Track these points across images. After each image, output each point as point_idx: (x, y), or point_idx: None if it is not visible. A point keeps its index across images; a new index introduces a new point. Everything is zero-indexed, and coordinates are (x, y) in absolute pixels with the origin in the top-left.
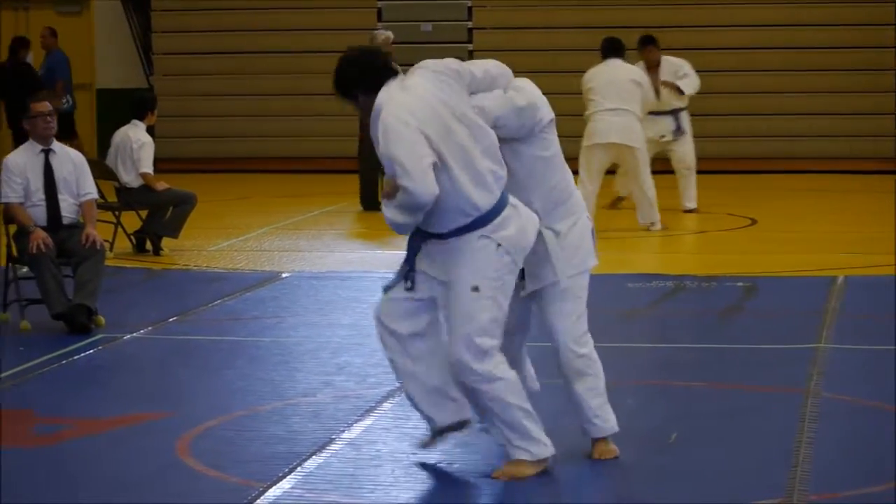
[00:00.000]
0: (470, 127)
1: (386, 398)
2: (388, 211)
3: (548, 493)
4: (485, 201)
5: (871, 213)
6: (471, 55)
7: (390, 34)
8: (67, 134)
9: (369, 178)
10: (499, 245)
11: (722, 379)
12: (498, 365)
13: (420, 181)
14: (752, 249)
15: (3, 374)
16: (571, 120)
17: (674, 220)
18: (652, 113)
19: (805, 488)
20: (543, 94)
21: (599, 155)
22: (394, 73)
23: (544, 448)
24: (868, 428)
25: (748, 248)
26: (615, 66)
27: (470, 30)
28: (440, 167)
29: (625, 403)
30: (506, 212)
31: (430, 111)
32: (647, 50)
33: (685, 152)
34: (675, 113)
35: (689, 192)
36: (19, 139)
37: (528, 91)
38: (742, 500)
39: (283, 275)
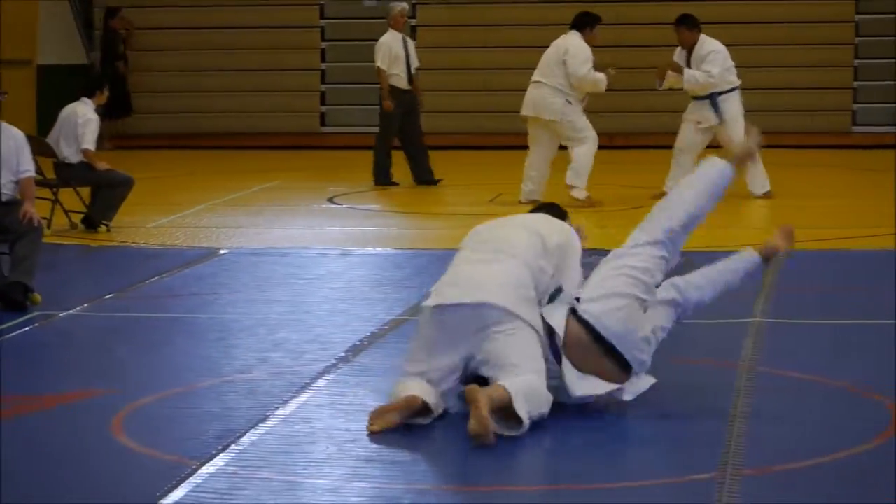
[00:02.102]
0: None
1: (321, 375)
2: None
3: (473, 472)
4: None
5: (815, 186)
6: (414, 31)
7: (405, 6)
8: None
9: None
10: None
11: (656, 353)
12: None
13: None
14: None
15: None
16: (511, 95)
17: (610, 193)
18: (696, 98)
19: (739, 463)
20: (486, 68)
21: (531, 127)
22: None
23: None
24: (802, 402)
25: None
26: (562, 39)
27: (414, 4)
28: None
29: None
30: None
31: None
32: (677, 31)
33: (729, 140)
34: (712, 98)
35: (754, 178)
36: (112, 107)
37: None
38: (675, 475)
39: (221, 251)
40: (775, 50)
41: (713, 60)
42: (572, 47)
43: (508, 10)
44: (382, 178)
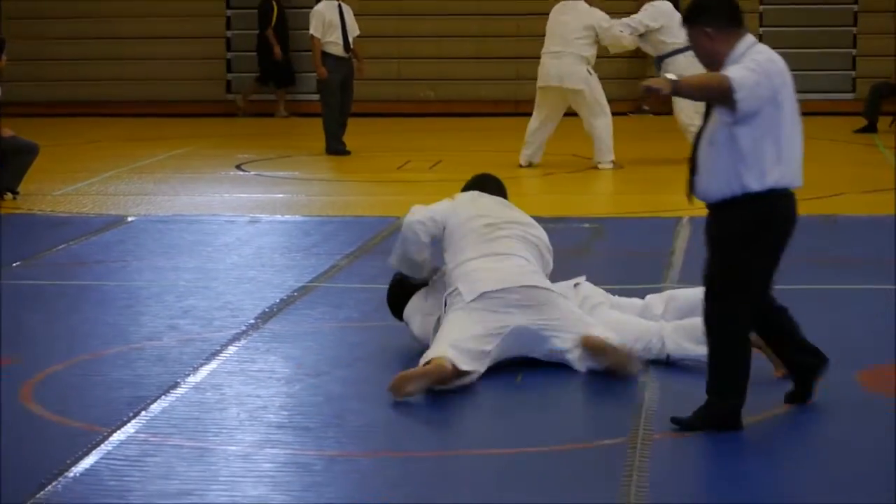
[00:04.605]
0: None
1: (231, 341)
2: None
3: (380, 439)
4: None
5: None
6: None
7: None
8: None
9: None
10: None
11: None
12: None
13: None
14: (599, 191)
15: None
16: (421, 63)
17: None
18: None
19: (649, 428)
20: (399, 36)
21: (548, 97)
22: None
23: None
24: None
25: (595, 189)
26: (567, 7)
27: None
28: None
29: None
30: None
31: None
32: None
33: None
34: (659, 60)
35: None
36: (270, 76)
37: None
38: (586, 440)
39: (129, 219)
40: None
41: (644, 10)
42: (596, 14)
43: None
44: (333, 146)
